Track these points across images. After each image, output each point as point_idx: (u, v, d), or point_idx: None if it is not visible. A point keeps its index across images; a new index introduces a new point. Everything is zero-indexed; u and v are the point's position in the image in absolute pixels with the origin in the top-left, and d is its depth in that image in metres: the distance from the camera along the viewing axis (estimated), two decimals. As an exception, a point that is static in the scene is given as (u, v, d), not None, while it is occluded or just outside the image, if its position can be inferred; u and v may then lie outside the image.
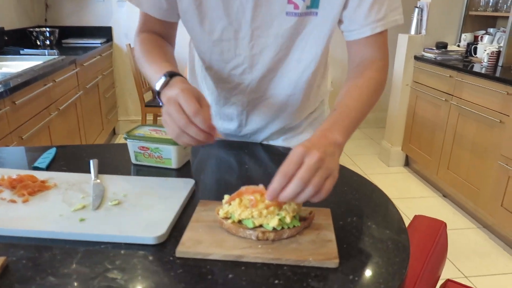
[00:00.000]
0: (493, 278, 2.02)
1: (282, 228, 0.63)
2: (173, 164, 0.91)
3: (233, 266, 0.58)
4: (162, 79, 0.71)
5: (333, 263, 0.58)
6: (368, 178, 0.89)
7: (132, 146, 0.92)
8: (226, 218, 0.65)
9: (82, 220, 0.67)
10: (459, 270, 2.06)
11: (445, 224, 0.89)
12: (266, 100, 0.99)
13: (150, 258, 0.60)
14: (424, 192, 2.94)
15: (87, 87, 2.90)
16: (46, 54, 2.68)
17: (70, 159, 0.98)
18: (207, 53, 0.94)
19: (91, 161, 0.89)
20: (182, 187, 0.79)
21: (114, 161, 0.97)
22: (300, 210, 0.66)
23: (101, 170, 0.89)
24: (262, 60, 0.91)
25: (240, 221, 0.64)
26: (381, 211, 0.75)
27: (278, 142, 1.10)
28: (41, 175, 0.83)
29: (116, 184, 0.81)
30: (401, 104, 3.24)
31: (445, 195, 2.87)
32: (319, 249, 0.61)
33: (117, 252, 0.61)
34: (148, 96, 3.42)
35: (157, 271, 0.58)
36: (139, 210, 0.70)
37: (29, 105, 1.98)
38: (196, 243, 0.62)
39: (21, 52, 2.66)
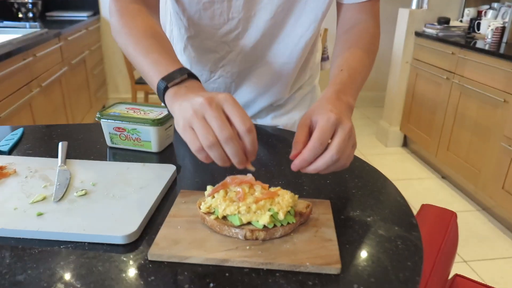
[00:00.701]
0: (493, 263, 1.97)
1: (275, 225, 0.53)
2: (153, 148, 0.81)
3: (216, 272, 0.49)
4: (178, 76, 0.56)
5: (334, 269, 0.49)
6: (365, 159, 0.80)
7: (107, 127, 0.82)
8: (209, 213, 0.56)
9: (40, 214, 0.57)
10: (458, 255, 2.00)
11: (456, 215, 0.80)
12: (258, 70, 0.89)
13: (118, 261, 0.51)
14: (422, 173, 2.86)
15: (73, 62, 2.76)
16: (28, 27, 2.53)
17: (38, 141, 0.87)
18: (195, 18, 0.82)
19: (60, 144, 0.79)
20: (161, 175, 0.69)
21: (88, 143, 0.86)
22: (295, 204, 0.56)
23: (72, 154, 0.79)
24: (256, 24, 0.80)
25: (225, 217, 0.55)
26: (388, 203, 0.65)
27: (267, 121, 1.00)
28: (0, 160, 0.73)
29: (85, 170, 0.71)
30: (400, 82, 3.13)
31: (444, 177, 2.80)
32: (318, 250, 0.51)
33: (78, 254, 0.52)
34: (138, 73, 3.28)
35: (124, 278, 0.48)
36: (108, 203, 0.61)
37: (7, 81, 1.85)
38: (172, 244, 0.52)
39: (0, 25, 2.50)
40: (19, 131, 0.88)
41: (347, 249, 0.54)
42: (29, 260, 0.50)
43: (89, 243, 0.54)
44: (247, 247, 0.52)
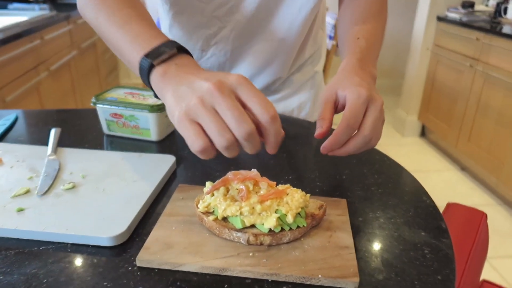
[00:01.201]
0: (515, 261, 1.87)
1: (282, 229, 0.46)
2: (153, 136, 0.74)
3: (213, 283, 0.42)
4: (165, 51, 0.45)
5: (351, 283, 0.42)
6: (380, 150, 0.72)
7: (103, 113, 0.75)
8: (208, 213, 0.49)
9: (20, 210, 0.51)
10: (477, 251, 1.91)
11: (486, 216, 0.72)
12: (253, 47, 0.80)
13: (102, 267, 0.44)
14: (440, 165, 2.75)
15: (82, 46, 2.70)
16: (37, 9, 2.47)
17: (31, 128, 0.81)
18: None
19: (52, 130, 0.73)
20: (158, 166, 0.62)
21: (85, 130, 0.80)
22: (306, 204, 0.49)
23: (66, 142, 0.73)
24: None
25: (225, 219, 0.48)
26: (412, 204, 0.58)
27: None
28: (-14, 148, 0.67)
29: (76, 160, 0.64)
30: (420, 69, 3.00)
31: (463, 169, 2.69)
32: (332, 260, 0.44)
33: (59, 258, 0.46)
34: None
35: (108, 287, 0.42)
36: (97, 198, 0.54)
37: (13, 64, 1.80)
38: (165, 248, 0.46)
39: (9, 6, 2.45)
40: (12, 117, 0.83)
41: (366, 259, 0.46)
42: (2, 264, 0.44)
43: (72, 244, 0.48)
44: (250, 254, 0.45)
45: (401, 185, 0.63)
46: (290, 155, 0.71)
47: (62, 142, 0.73)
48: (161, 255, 0.45)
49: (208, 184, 0.51)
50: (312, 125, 0.84)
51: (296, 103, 0.91)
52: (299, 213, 0.47)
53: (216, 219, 0.47)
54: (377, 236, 0.50)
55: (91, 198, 0.54)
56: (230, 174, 0.49)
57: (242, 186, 0.48)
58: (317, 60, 0.94)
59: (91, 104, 0.75)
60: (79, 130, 0.80)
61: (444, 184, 2.52)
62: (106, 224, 0.49)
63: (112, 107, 0.73)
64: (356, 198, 0.58)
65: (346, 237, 0.48)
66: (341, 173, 0.65)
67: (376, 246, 0.49)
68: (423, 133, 3.19)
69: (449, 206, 0.75)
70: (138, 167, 0.62)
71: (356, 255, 0.45)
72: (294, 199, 0.47)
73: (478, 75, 2.45)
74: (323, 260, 0.44)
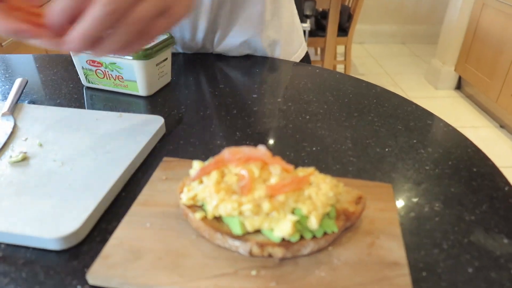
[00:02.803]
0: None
1: (301, 237, 0.31)
2: (140, 90, 0.59)
3: (195, 318, 0.28)
4: None
5: (407, 332, 0.27)
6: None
7: (79, 60, 0.60)
8: (195, 206, 0.34)
9: None
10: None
11: None
12: None
13: (40, 283, 0.31)
14: (477, 121, 2.52)
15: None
16: None
17: (-3, 77, 0.67)
18: None
19: (16, 81, 0.58)
20: (141, 131, 0.47)
21: (61, 81, 0.65)
22: (338, 199, 0.34)
23: (34, 96, 0.59)
24: None
25: (219, 218, 0.33)
26: (485, 192, 0.41)
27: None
28: None
29: (37, 122, 0.50)
30: (461, 14, 2.68)
31: (502, 126, 2.45)
32: (375, 286, 0.29)
33: (-17, 266, 0.32)
34: None
35: (41, 320, 0.28)
36: (49, 179, 0.40)
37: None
38: (130, 258, 0.31)
39: None
40: (-24, 63, 0.68)
41: (425, 281, 0.31)
42: None
43: (7, 245, 0.34)
44: (253, 272, 0.30)
45: (467, 164, 0.46)
46: (316, 119, 0.54)
47: (27, 97, 0.58)
48: (124, 270, 0.31)
49: (196, 164, 0.36)
50: (332, 73, 0.66)
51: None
52: (327, 213, 0.32)
53: (205, 218, 0.33)
54: (438, 243, 0.35)
55: (42, 179, 0.40)
56: (226, 152, 0.33)
57: (243, 172, 0.32)
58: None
59: (63, 48, 0.60)
60: (54, 81, 0.65)
61: (481, 141, 2.30)
62: (56, 219, 0.35)
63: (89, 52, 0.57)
64: (404, 182, 0.42)
65: (395, 247, 0.33)
66: (384, 145, 0.48)
67: (439, 259, 0.33)
68: (459, 85, 2.92)
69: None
70: (115, 131, 0.48)
71: (410, 277, 0.30)
72: (320, 192, 0.32)
73: (530, 21, 2.14)
74: (362, 286, 0.30)
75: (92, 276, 0.30)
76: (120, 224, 0.35)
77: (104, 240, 0.34)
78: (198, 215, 0.33)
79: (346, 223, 0.33)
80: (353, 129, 0.52)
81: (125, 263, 0.31)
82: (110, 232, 0.35)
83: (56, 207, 0.36)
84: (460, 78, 2.90)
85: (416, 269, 0.32)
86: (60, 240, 0.33)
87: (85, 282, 0.31)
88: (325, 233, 0.32)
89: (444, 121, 0.54)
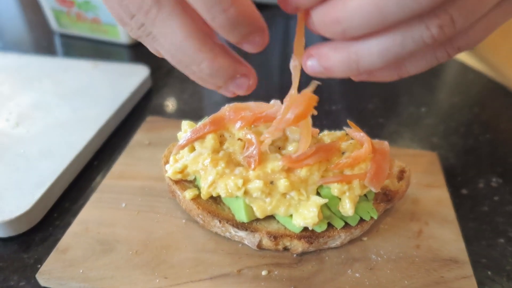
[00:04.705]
0: None
1: (330, 225, 0.23)
2: (122, 36, 0.49)
3: (185, 337, 0.21)
4: None
5: None
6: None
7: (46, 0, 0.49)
8: (185, 181, 0.26)
9: None
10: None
11: None
12: None
13: (-25, 285, 0.23)
14: None
15: None
16: None
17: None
18: None
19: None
20: (121, 84, 0.38)
21: (31, 25, 0.55)
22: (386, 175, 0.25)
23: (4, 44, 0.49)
24: None
25: (216, 198, 0.24)
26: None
27: None
28: None
29: (-8, 72, 0.40)
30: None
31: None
32: (431, 295, 0.22)
33: None
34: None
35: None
36: (2, 146, 0.31)
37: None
38: (97, 253, 0.23)
39: None
40: None
41: (491, 284, 0.23)
42: None
43: None
44: (263, 273, 0.22)
45: (521, 126, 0.37)
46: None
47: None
48: (87, 269, 0.22)
49: (186, 125, 0.27)
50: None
51: None
52: (365, 195, 0.23)
53: (198, 198, 0.24)
54: (502, 232, 0.27)
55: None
56: (227, 109, 0.24)
57: (250, 136, 0.23)
58: None
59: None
60: (17, 26, 0.55)
61: None
62: (4, 199, 0.26)
63: (57, -12, 0.47)
64: (449, 149, 0.34)
65: (450, 237, 0.25)
66: (417, 100, 0.40)
67: (507, 255, 0.25)
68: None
69: None
70: (88, 84, 0.38)
71: (474, 277, 0.22)
72: (356, 164, 0.23)
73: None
74: (411, 293, 0.22)
75: (43, 277, 0.22)
76: (87, 203, 0.26)
77: (66, 225, 0.26)
78: (189, 193, 0.24)
79: (387, 206, 0.25)
80: (380, 85, 0.43)
81: (89, 258, 0.23)
82: (75, 213, 0.26)
83: (2, 180, 0.27)
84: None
85: (477, 267, 0.24)
86: (4, 225, 0.25)
87: (36, 284, 0.23)
88: (360, 221, 0.23)
89: (488, 77, 0.45)
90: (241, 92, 0.18)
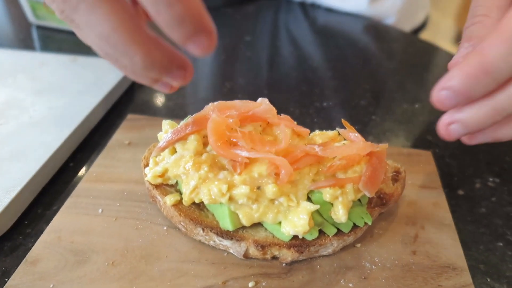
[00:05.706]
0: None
1: (321, 232, 0.21)
2: (103, 29, 0.46)
3: None
4: None
5: None
6: None
7: (23, -11, 0.47)
8: (166, 185, 0.24)
9: None
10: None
11: None
12: None
13: None
14: None
15: None
16: None
17: None
18: None
19: None
20: (99, 81, 0.36)
21: (7, 18, 0.52)
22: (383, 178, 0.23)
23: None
24: None
25: (199, 205, 0.23)
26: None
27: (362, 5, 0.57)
28: None
29: (-37, 67, 0.38)
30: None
31: None
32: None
33: None
34: None
35: None
36: (-34, 141, 0.29)
37: None
38: (70, 264, 0.22)
39: None
40: None
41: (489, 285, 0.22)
42: None
43: None
44: (250, 284, 0.21)
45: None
46: (320, 63, 0.43)
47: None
48: (58, 284, 0.21)
49: (167, 125, 0.25)
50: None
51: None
52: (359, 200, 0.22)
53: (179, 204, 0.22)
54: (501, 235, 0.25)
55: (-44, 141, 0.29)
56: (211, 108, 0.23)
57: (240, 137, 0.21)
58: None
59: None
60: (7, 18, 0.52)
61: None
62: (-36, 201, 0.24)
63: (33, -23, 0.45)
64: (444, 148, 0.32)
65: (447, 241, 0.24)
66: (410, 97, 0.38)
67: (506, 260, 0.24)
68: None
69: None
70: (65, 80, 0.36)
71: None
72: (349, 166, 0.22)
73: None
74: (408, 305, 0.20)
75: (11, 290, 0.20)
76: (60, 209, 0.24)
77: (38, 233, 0.24)
78: (170, 199, 0.22)
79: (381, 210, 0.24)
80: (373, 80, 0.41)
81: (61, 270, 0.21)
82: (48, 220, 0.25)
83: (-31, 185, 0.25)
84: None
85: (476, 274, 0.23)
86: (-31, 235, 0.23)
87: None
88: (353, 227, 0.22)
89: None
90: (176, 84, 0.17)
